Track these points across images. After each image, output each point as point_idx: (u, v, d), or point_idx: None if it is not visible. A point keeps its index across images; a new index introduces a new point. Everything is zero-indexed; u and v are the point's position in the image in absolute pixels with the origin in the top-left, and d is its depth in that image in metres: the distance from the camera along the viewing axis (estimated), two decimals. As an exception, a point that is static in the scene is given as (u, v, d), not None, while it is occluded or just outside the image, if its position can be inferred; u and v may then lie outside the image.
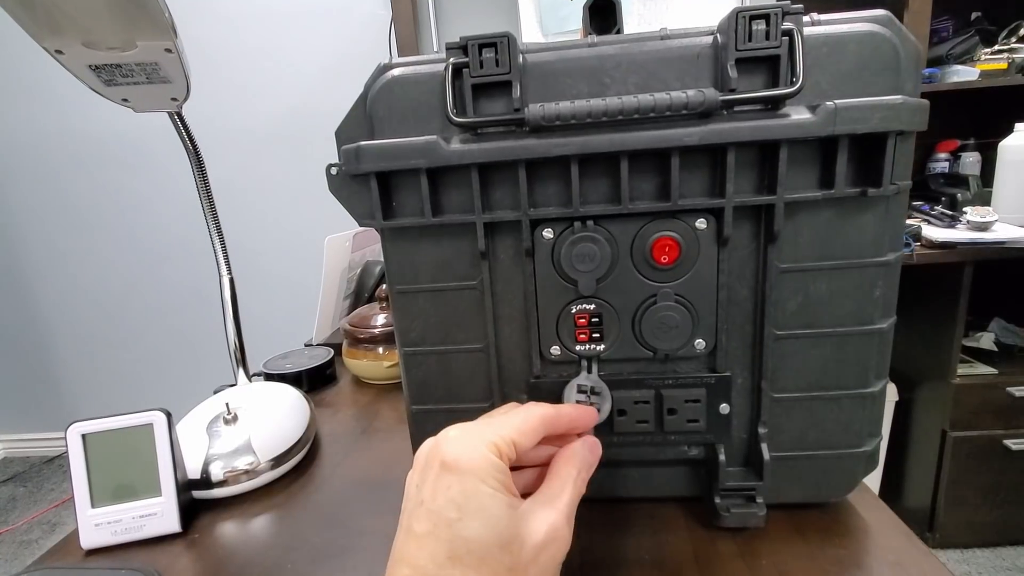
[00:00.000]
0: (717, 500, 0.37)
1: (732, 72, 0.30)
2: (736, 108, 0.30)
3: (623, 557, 0.36)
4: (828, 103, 0.29)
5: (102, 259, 1.99)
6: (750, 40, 0.29)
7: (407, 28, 1.44)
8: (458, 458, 0.25)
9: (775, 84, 0.30)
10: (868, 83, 0.30)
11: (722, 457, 0.36)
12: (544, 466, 0.30)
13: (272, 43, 1.72)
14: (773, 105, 0.30)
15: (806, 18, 0.31)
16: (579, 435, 0.33)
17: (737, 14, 0.29)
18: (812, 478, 0.37)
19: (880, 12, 0.31)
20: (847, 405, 0.36)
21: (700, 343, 0.35)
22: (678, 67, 0.31)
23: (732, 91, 0.30)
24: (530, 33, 1.40)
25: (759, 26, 0.29)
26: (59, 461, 2.18)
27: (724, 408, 0.35)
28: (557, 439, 0.31)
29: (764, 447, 0.36)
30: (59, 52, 0.40)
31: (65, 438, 0.41)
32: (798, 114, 0.30)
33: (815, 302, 0.34)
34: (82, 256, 2.00)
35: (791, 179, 0.31)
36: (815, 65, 0.30)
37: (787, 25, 0.29)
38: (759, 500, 0.36)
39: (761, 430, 0.36)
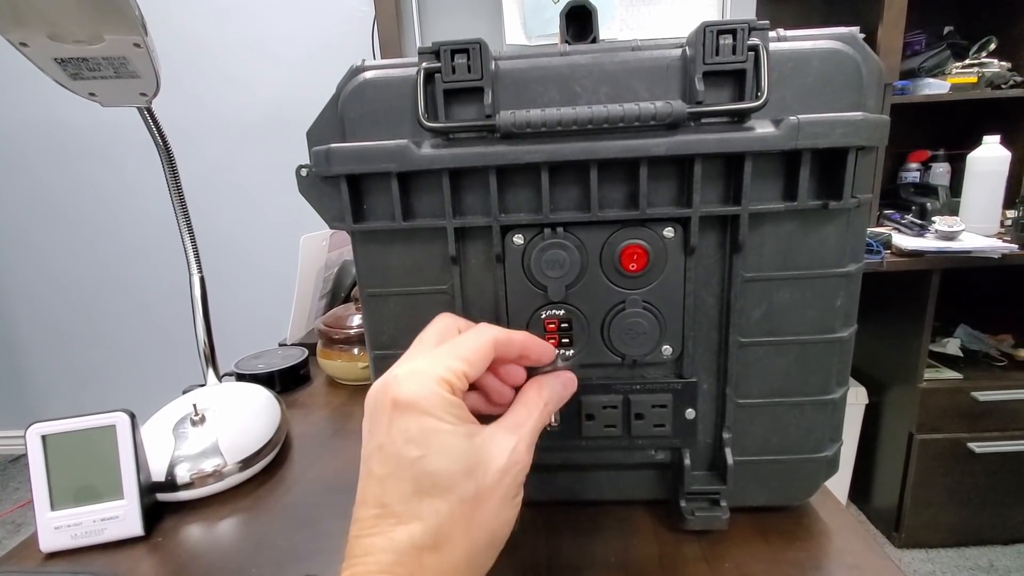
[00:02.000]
0: (682, 503, 0.37)
1: (700, 85, 0.30)
2: (703, 120, 0.31)
3: (590, 559, 0.36)
4: (791, 118, 0.30)
5: (73, 252, 1.94)
6: (717, 54, 0.30)
7: (390, 26, 1.43)
8: (413, 398, 0.24)
9: (741, 98, 0.31)
10: (831, 99, 0.31)
11: (687, 461, 0.37)
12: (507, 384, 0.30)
13: (255, 36, 1.69)
14: (739, 118, 0.31)
15: (772, 34, 0.31)
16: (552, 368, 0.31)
17: (705, 28, 0.30)
18: (775, 482, 0.38)
19: (844, 30, 0.32)
20: (809, 411, 0.36)
21: (667, 349, 0.35)
22: (648, 78, 0.32)
23: (699, 104, 0.30)
24: (514, 35, 1.41)
25: (726, 41, 0.30)
26: (24, 460, 2.11)
27: (690, 413, 0.36)
28: (519, 360, 0.30)
29: (728, 451, 0.36)
30: (23, 44, 0.39)
31: (24, 439, 0.40)
32: (763, 128, 0.30)
33: (778, 311, 0.34)
34: (53, 249, 1.95)
35: (756, 191, 0.32)
36: (780, 80, 0.31)
37: (753, 40, 0.30)
38: (723, 503, 0.37)
39: (725, 435, 0.36)
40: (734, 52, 0.30)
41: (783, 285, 0.34)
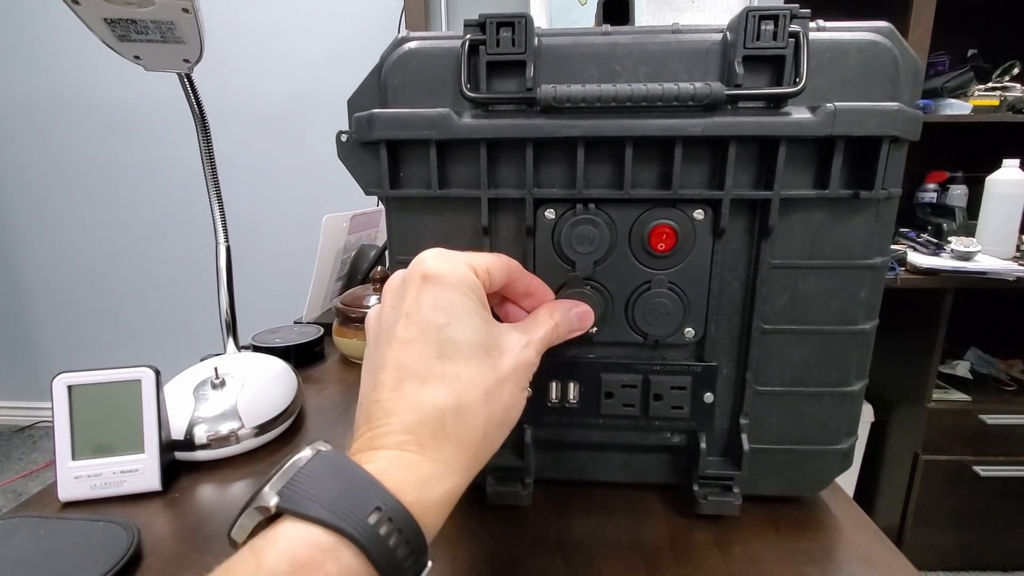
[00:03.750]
0: (695, 487, 0.37)
1: (739, 68, 0.31)
2: (740, 104, 0.31)
3: (601, 538, 0.37)
4: (828, 105, 0.30)
5: (90, 228, 1.96)
6: (758, 39, 0.31)
7: (417, 18, 1.45)
8: (441, 272, 0.25)
9: (779, 83, 0.31)
10: (867, 90, 0.32)
11: (703, 445, 0.37)
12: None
13: (283, 24, 1.71)
14: (776, 103, 0.31)
15: (812, 23, 0.32)
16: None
17: (748, 13, 0.30)
18: (789, 472, 0.38)
19: (883, 24, 0.32)
20: (827, 402, 0.37)
21: (689, 331, 0.36)
22: (687, 60, 0.32)
23: (738, 87, 0.31)
24: (539, 34, 1.42)
25: (768, 26, 0.30)
26: (29, 431, 2.14)
27: (708, 397, 0.36)
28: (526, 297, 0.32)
29: (744, 438, 0.37)
30: (75, 2, 0.40)
31: (51, 388, 0.41)
32: (799, 114, 0.31)
33: (803, 299, 0.35)
34: (70, 223, 1.97)
35: (788, 177, 0.32)
36: (818, 69, 0.31)
37: (794, 27, 0.30)
38: (736, 490, 0.37)
39: (742, 421, 0.37)
40: (775, 38, 0.30)
41: (809, 274, 0.34)
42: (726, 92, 0.30)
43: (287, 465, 0.21)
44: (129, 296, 2.02)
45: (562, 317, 0.31)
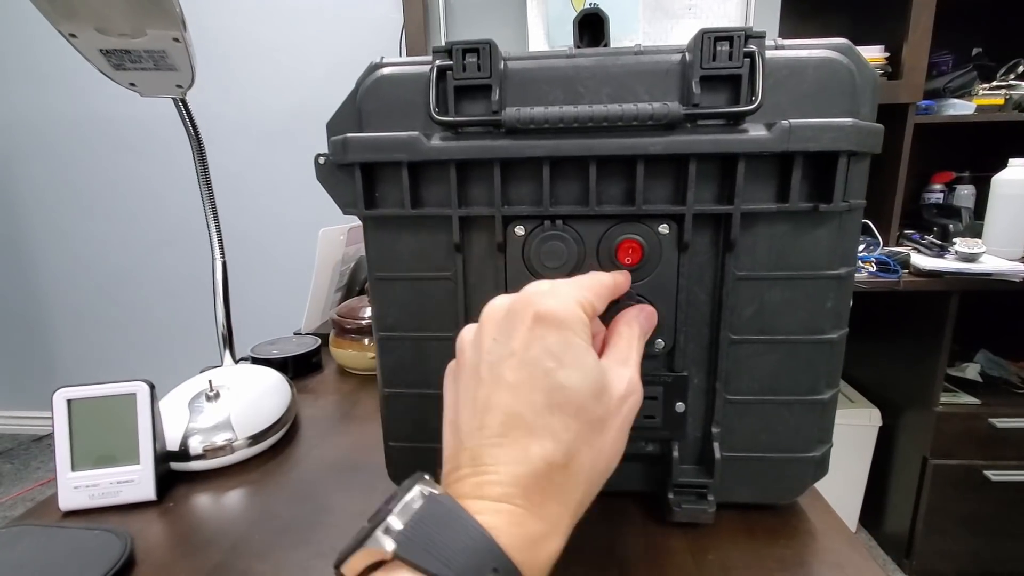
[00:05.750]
0: (670, 496, 0.38)
1: (696, 88, 0.32)
2: (700, 122, 0.32)
3: (577, 544, 0.37)
4: (783, 122, 0.31)
5: (102, 240, 2.02)
6: (714, 60, 0.32)
7: (417, 33, 1.47)
8: (554, 311, 0.25)
9: (737, 102, 0.32)
10: (825, 105, 0.32)
11: (676, 454, 0.38)
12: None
13: (284, 39, 1.75)
14: (734, 121, 0.32)
15: (770, 42, 0.33)
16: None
17: (703, 35, 0.31)
18: (762, 480, 0.39)
19: (840, 41, 0.33)
20: (798, 411, 0.37)
21: (659, 343, 0.36)
22: (649, 81, 0.33)
23: (695, 106, 0.32)
24: (537, 43, 1.43)
25: (723, 47, 0.31)
26: (47, 440, 2.19)
27: (680, 406, 0.37)
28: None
29: (716, 446, 0.37)
30: (72, 36, 0.42)
31: (51, 403, 0.43)
32: (756, 131, 0.32)
33: (770, 310, 0.35)
34: (83, 236, 2.03)
35: (750, 192, 0.33)
36: (776, 86, 0.32)
37: (749, 48, 0.31)
38: (710, 498, 0.38)
39: (714, 430, 0.37)
40: (730, 58, 0.31)
41: (775, 285, 0.35)
42: (683, 112, 0.31)
43: (399, 506, 0.21)
44: (140, 307, 2.07)
45: (640, 327, 0.30)
